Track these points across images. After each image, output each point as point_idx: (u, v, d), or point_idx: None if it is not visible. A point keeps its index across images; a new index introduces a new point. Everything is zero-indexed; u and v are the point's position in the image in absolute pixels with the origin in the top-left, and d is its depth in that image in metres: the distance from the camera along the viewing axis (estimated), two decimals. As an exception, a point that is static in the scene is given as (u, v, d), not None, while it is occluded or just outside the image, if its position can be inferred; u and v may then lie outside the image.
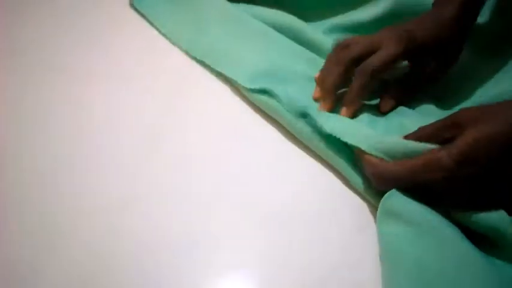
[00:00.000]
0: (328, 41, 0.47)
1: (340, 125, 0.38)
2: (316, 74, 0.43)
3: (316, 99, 0.42)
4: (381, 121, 0.40)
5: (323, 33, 0.51)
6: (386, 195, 0.33)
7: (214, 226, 0.36)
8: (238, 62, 0.45)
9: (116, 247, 0.35)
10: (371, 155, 0.34)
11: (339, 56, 0.40)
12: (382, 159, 0.33)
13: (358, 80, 0.39)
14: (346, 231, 0.35)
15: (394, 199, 0.32)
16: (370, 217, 0.36)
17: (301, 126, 0.40)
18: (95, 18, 0.55)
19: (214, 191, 0.38)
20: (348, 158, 0.38)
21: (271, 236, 0.35)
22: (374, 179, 0.34)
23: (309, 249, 0.35)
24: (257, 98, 0.43)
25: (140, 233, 0.36)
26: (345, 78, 0.40)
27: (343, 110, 0.40)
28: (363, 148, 0.34)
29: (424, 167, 0.30)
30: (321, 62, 0.43)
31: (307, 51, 0.47)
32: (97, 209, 0.37)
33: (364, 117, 0.40)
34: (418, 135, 0.34)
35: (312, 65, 0.45)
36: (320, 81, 0.41)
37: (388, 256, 0.31)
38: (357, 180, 0.37)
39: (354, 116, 0.40)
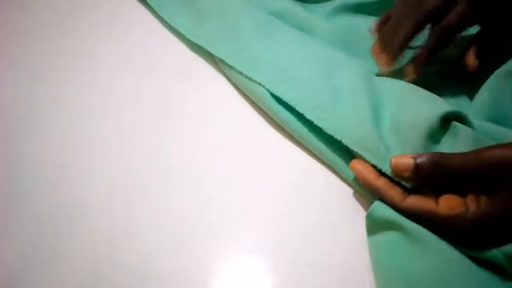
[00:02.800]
0: (323, 24, 0.46)
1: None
2: (373, 24, 0.41)
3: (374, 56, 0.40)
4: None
5: (328, 15, 0.50)
6: (372, 207, 0.32)
7: (224, 210, 0.36)
8: (240, 50, 0.44)
9: (129, 229, 0.35)
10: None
11: (412, 9, 0.38)
12: (401, 192, 0.30)
13: (436, 37, 0.37)
14: (346, 214, 0.35)
15: (381, 210, 0.31)
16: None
17: (291, 122, 0.39)
18: (99, 9, 0.55)
19: (223, 180, 0.38)
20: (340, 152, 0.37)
21: (278, 220, 0.35)
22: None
23: (313, 232, 0.34)
24: (248, 87, 0.42)
25: (153, 216, 0.36)
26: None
27: (410, 69, 0.38)
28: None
29: (460, 218, 0.28)
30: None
31: (308, 36, 0.44)
32: (110, 193, 0.37)
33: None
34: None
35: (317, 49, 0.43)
36: (386, 35, 0.39)
37: (379, 265, 0.30)
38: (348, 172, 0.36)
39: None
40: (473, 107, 0.38)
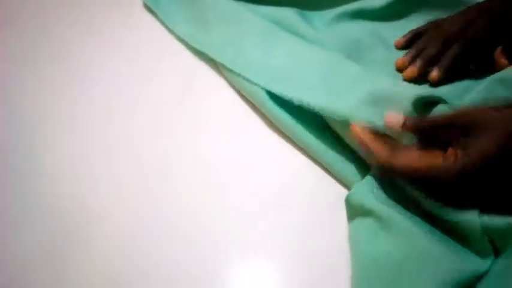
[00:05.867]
0: (324, 36, 0.47)
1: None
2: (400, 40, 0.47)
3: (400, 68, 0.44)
4: None
5: (331, 20, 0.51)
6: (349, 192, 0.34)
7: (223, 209, 0.38)
8: (241, 56, 0.47)
9: (137, 233, 0.37)
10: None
11: (440, 34, 0.44)
12: (389, 145, 0.33)
13: (459, 49, 0.42)
14: (330, 210, 0.37)
15: (357, 195, 0.33)
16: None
17: (286, 119, 0.41)
18: (106, 16, 0.57)
19: (222, 180, 0.40)
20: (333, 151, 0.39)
21: (270, 217, 0.38)
22: (379, 168, 0.33)
23: (302, 228, 0.37)
24: (248, 91, 0.44)
25: (155, 217, 0.38)
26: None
27: (435, 71, 0.42)
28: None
29: (436, 170, 0.29)
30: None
31: (313, 45, 0.46)
32: (119, 197, 0.39)
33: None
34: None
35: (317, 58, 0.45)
36: (414, 52, 0.45)
37: (353, 249, 0.32)
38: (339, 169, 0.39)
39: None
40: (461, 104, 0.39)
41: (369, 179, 0.35)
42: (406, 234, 0.30)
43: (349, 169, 0.38)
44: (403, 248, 0.29)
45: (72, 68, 0.51)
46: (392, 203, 0.32)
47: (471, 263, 0.29)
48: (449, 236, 0.31)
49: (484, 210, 0.29)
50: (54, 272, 0.35)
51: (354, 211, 0.34)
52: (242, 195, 0.39)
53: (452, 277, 0.28)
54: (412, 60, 0.44)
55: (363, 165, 0.38)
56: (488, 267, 0.28)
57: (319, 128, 0.40)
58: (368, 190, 0.34)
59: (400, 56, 0.45)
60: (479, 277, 0.28)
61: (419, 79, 0.43)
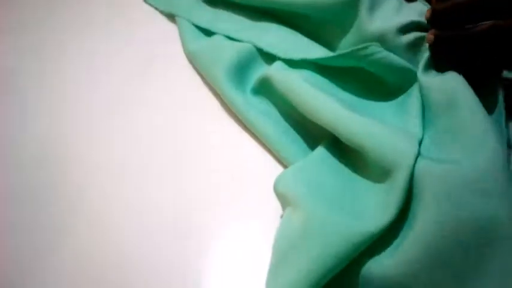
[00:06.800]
0: None
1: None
2: None
3: None
4: None
5: None
6: (274, 182, 0.34)
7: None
8: None
9: (120, 216, 0.36)
10: None
11: None
12: None
13: None
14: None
15: (280, 182, 0.34)
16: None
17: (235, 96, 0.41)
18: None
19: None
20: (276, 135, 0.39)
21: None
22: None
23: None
24: (208, 72, 0.45)
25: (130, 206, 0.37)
26: None
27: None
28: None
29: None
30: None
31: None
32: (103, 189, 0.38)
33: None
34: None
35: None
36: None
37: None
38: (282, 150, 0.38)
39: None
40: None
41: (293, 166, 0.35)
42: (308, 209, 0.29)
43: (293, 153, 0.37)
44: (304, 223, 0.29)
45: (63, 51, 0.51)
46: (312, 186, 0.32)
47: (367, 225, 0.28)
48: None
49: None
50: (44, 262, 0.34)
51: (280, 198, 0.34)
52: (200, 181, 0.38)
53: (341, 242, 0.27)
54: None
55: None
56: (384, 224, 0.27)
57: (271, 115, 0.40)
58: (290, 178, 0.33)
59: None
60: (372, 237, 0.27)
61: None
